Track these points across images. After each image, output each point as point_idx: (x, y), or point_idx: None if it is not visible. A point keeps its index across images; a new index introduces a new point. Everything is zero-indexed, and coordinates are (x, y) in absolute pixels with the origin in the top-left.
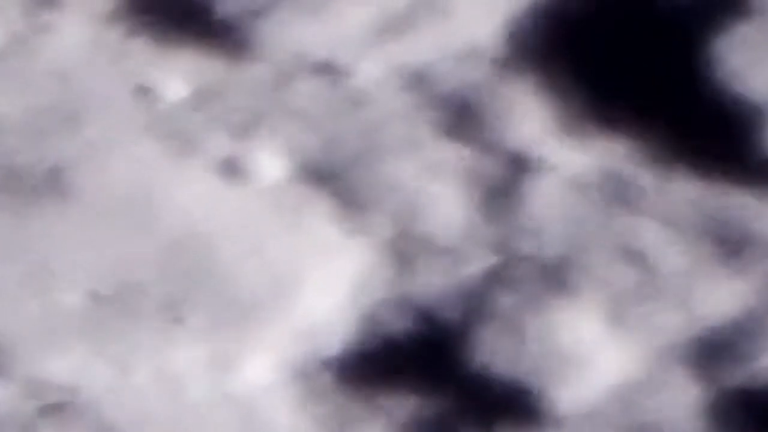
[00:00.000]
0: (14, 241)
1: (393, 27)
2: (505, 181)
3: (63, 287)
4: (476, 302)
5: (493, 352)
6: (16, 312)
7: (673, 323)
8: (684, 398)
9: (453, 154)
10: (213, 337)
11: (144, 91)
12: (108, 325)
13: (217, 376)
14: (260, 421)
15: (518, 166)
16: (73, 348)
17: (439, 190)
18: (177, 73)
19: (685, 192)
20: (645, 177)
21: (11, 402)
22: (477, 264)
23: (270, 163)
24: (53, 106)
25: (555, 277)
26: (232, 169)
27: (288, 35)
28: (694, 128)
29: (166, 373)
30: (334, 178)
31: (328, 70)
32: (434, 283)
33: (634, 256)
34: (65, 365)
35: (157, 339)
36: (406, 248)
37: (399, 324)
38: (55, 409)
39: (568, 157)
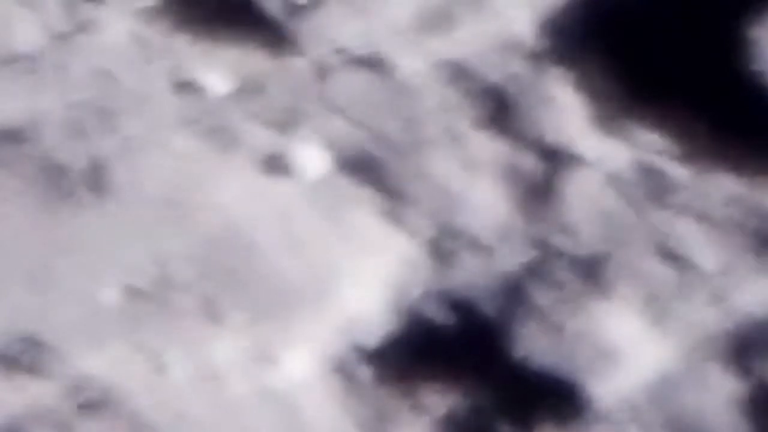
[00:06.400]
0: (54, 238)
1: (434, 21)
2: (543, 177)
3: (102, 284)
4: (514, 297)
5: (532, 347)
6: (56, 309)
7: (710, 318)
8: (721, 392)
9: (492, 149)
10: (252, 332)
11: (186, 87)
12: (147, 321)
13: (256, 371)
14: (300, 416)
15: (556, 162)
16: (111, 344)
17: (479, 186)
18: (219, 69)
19: (723, 187)
20: (682, 172)
21: (50, 398)
22: (515, 259)
23: (312, 158)
24: (95, 102)
25: (592, 271)
26: (273, 164)
27: (330, 30)
28: (732, 123)
29: (205, 369)
30: (375, 173)
31: (369, 64)
32: (473, 277)
33: (671, 252)
34: (104, 362)
35: (196, 335)
36: (445, 243)
37: (438, 318)
38: (93, 405)
39: (605, 153)
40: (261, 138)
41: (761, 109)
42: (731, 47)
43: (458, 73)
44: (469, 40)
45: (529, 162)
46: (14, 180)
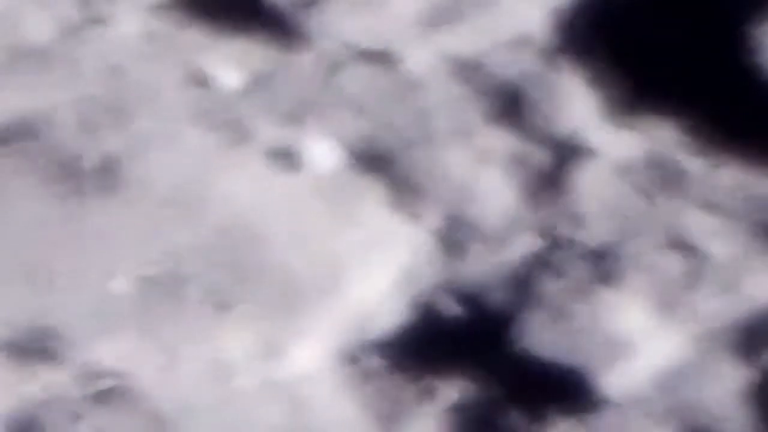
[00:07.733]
0: (66, 231)
1: (443, 16)
2: (553, 168)
3: (114, 275)
4: (524, 288)
5: (541, 337)
6: (68, 299)
7: (720, 309)
8: (730, 383)
9: (502, 142)
10: (261, 323)
11: (196, 81)
12: (157, 312)
13: (265, 362)
14: (309, 408)
15: (566, 153)
16: (123, 335)
17: (488, 178)
18: (229, 63)
19: (732, 178)
20: (692, 163)
21: (62, 387)
22: (525, 250)
23: (321, 151)
24: (106, 96)
25: (601, 262)
26: (283, 158)
27: (339, 24)
28: (741, 114)
29: (215, 360)
30: (385, 166)
31: (378, 58)
32: (483, 268)
33: (681, 242)
34: (115, 352)
35: (206, 326)
36: (455, 234)
37: (448, 309)
38: (104, 394)
39: (615, 144)
40: (271, 131)
41: None
42: (739, 40)
43: (467, 68)
44: (479, 35)
45: (540, 154)
46: (26, 173)
